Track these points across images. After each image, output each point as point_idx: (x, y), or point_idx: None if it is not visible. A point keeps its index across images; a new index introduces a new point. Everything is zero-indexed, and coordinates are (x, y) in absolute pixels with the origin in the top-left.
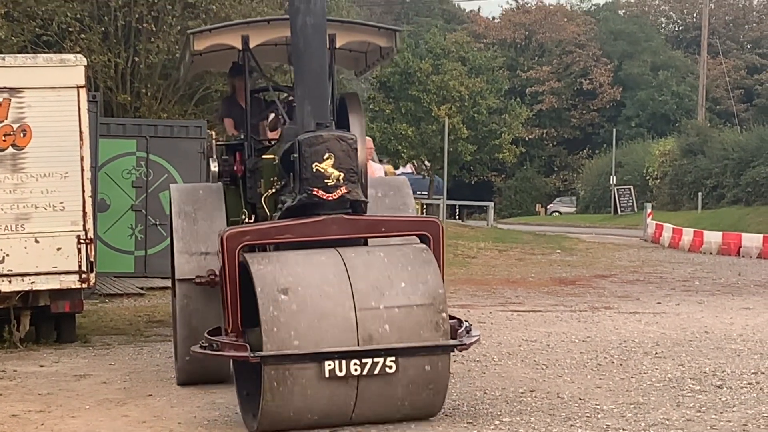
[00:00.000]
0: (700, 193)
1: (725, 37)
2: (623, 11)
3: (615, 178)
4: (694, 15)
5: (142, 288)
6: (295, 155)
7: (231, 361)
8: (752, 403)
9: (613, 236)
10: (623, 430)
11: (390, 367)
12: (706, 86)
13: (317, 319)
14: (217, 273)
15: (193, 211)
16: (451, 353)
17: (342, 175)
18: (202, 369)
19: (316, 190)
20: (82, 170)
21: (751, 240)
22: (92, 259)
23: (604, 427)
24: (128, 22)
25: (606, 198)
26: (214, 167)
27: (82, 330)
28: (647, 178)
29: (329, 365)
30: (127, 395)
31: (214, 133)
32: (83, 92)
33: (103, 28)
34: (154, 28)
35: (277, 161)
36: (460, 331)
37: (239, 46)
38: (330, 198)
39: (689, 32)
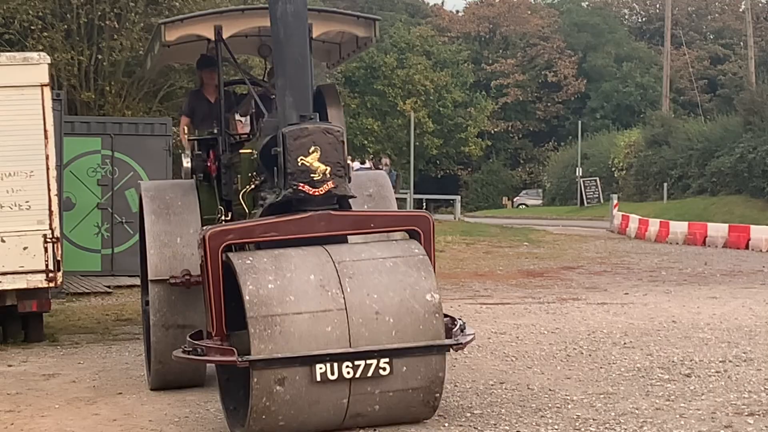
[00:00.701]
0: (665, 184)
1: (688, 27)
2: (586, 3)
3: (581, 170)
4: (657, 6)
5: (109, 286)
6: (277, 149)
7: (216, 367)
8: (720, 391)
9: (580, 228)
10: (593, 420)
11: (384, 369)
12: (669, 77)
13: (307, 321)
14: (192, 273)
15: (165, 208)
16: (447, 353)
17: (329, 169)
18: (177, 374)
19: (301, 185)
20: (48, 169)
21: (717, 230)
22: (59, 258)
23: (575, 417)
24: (91, 20)
25: (572, 190)
26: (186, 163)
27: (49, 329)
28: (613, 169)
29: (320, 368)
30: (97, 394)
31: (186, 127)
32: (47, 90)
33: (65, 26)
34: (116, 25)
35: (255, 156)
36: (454, 329)
37: (212, 36)
38: (316, 193)
39: (652, 23)
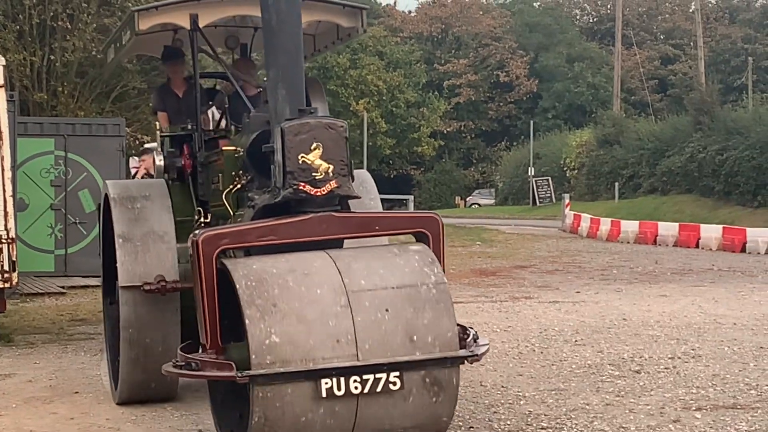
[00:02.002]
0: (616, 183)
1: (639, 28)
2: (538, 3)
3: (533, 169)
4: (608, 6)
5: (63, 287)
6: (268, 146)
7: (208, 386)
8: (669, 386)
9: (532, 227)
10: (545, 415)
11: (394, 384)
12: (620, 77)
13: (311, 333)
14: (167, 279)
15: (135, 210)
16: (461, 365)
17: (331, 167)
18: (147, 387)
19: (302, 184)
20: (3, 170)
21: (667, 228)
22: (14, 259)
23: (527, 413)
24: (43, 20)
25: (524, 189)
26: (159, 161)
27: (4, 329)
28: (565, 169)
29: (326, 383)
30: (54, 393)
31: (158, 123)
32: (2, 92)
33: (17, 27)
34: (69, 26)
35: (241, 153)
36: (468, 340)
37: (187, 25)
38: (318, 193)
39: (603, 24)
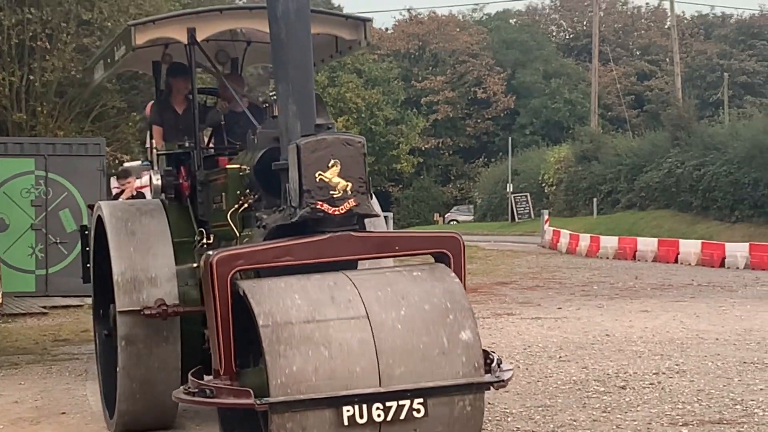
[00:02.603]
0: (595, 199)
1: (615, 44)
2: (514, 20)
3: (511, 185)
4: (584, 23)
5: (44, 307)
6: (279, 162)
7: (219, 416)
8: (655, 402)
9: (512, 243)
10: None
11: (418, 411)
12: (597, 93)
13: (332, 359)
14: (167, 303)
15: (131, 231)
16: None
17: (350, 185)
18: (146, 415)
19: (319, 203)
20: None
21: (646, 244)
22: None
23: (515, 429)
24: (22, 41)
25: (503, 205)
26: (156, 180)
27: None
28: (543, 185)
29: (348, 411)
30: (40, 414)
31: (154, 142)
32: None
33: None
34: (48, 46)
35: (248, 171)
36: (492, 365)
37: (184, 40)
38: (336, 212)
39: (580, 40)
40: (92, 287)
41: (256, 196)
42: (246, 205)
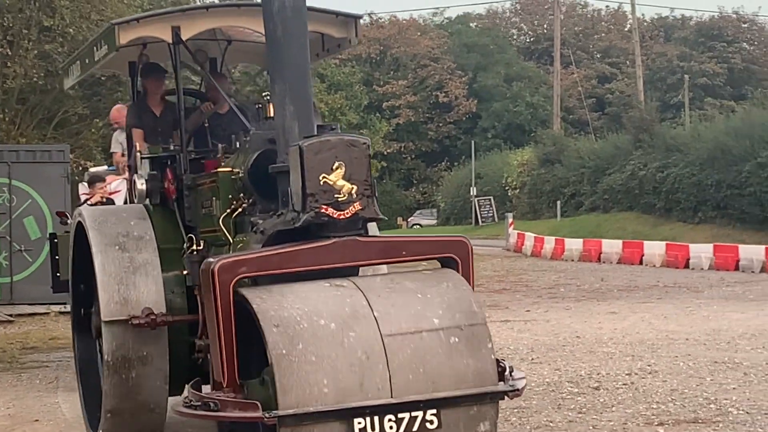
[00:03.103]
0: (558, 202)
1: (575, 47)
2: (475, 24)
3: (475, 189)
4: (545, 26)
5: (10, 315)
6: (277, 165)
7: (220, 426)
8: (629, 402)
9: (477, 247)
10: None
11: (431, 422)
12: (560, 96)
13: (342, 369)
14: (155, 312)
15: (116, 238)
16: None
17: (354, 188)
18: (133, 426)
19: (324, 207)
20: None
21: (611, 246)
22: None
23: None
24: None
25: (466, 209)
26: (141, 185)
27: None
28: (506, 188)
29: (359, 423)
30: (14, 422)
31: (138, 144)
32: None
33: None
34: (9, 53)
35: (241, 175)
36: (505, 373)
37: (169, 39)
38: (342, 216)
39: (540, 43)
40: (71, 296)
41: (251, 201)
42: (240, 210)
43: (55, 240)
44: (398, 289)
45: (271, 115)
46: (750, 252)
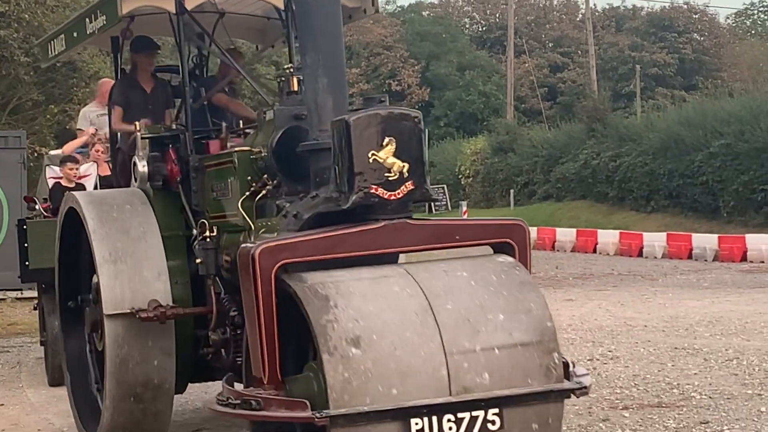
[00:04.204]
0: (512, 190)
1: (527, 36)
2: (427, 13)
3: (428, 177)
4: (497, 15)
5: None
6: (309, 143)
7: (255, 426)
8: (593, 387)
9: None
10: None
11: (493, 423)
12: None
13: (398, 365)
14: (163, 303)
15: (115, 224)
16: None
17: (406, 166)
18: (136, 424)
19: (373, 187)
20: None
21: (565, 234)
22: None
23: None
24: None
25: None
26: (142, 167)
27: None
28: (460, 176)
29: (417, 424)
30: None
31: (137, 124)
32: None
33: None
34: None
35: (264, 154)
36: (569, 369)
37: (172, 9)
38: (393, 197)
39: (493, 32)
40: (57, 286)
41: (276, 182)
42: (263, 193)
43: (24, 227)
44: (455, 278)
45: (295, 89)
46: (703, 241)
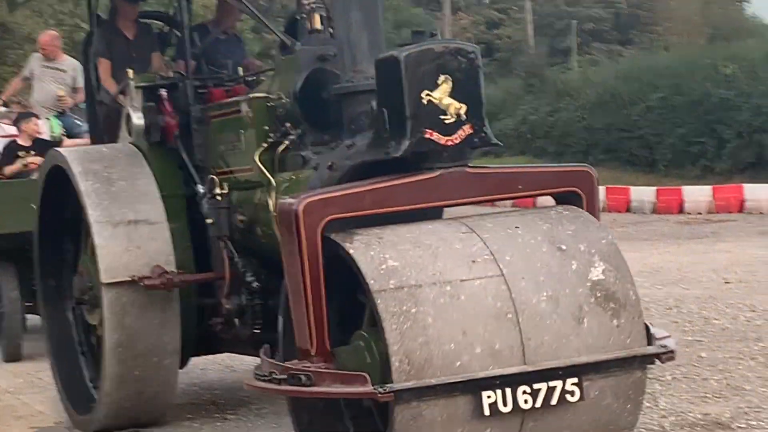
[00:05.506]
0: None
1: None
2: None
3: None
4: None
5: None
6: (343, 85)
7: (292, 407)
8: None
9: None
10: None
11: (572, 393)
12: None
13: (465, 331)
14: (167, 270)
15: (109, 184)
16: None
17: (464, 108)
18: (133, 412)
19: (429, 131)
20: None
21: None
22: None
23: None
24: None
25: None
26: (137, 119)
27: None
28: None
29: (489, 397)
30: None
31: (131, 72)
32: None
33: None
34: None
35: (284, 100)
36: (650, 332)
37: None
38: (450, 142)
39: None
40: (36, 258)
41: (300, 132)
42: (286, 144)
43: None
44: (518, 230)
45: (318, 27)
46: (641, 193)
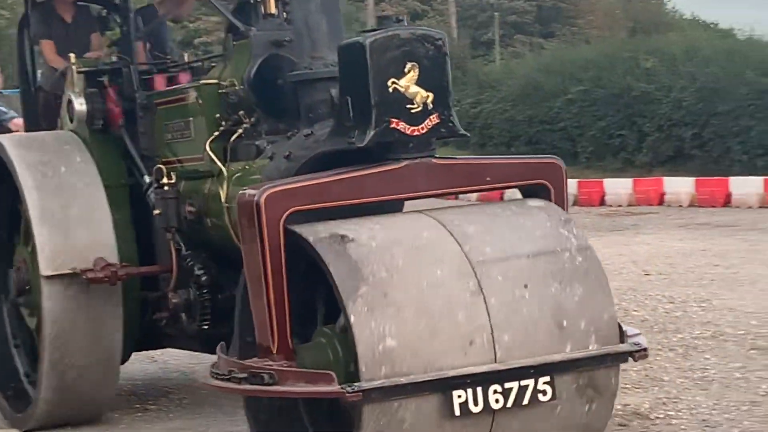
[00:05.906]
0: None
1: None
2: None
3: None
4: None
5: None
6: (303, 72)
7: (248, 407)
8: None
9: None
10: None
11: (544, 393)
12: None
13: (435, 328)
14: (110, 263)
15: (50, 172)
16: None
17: (431, 96)
18: (71, 411)
19: (395, 121)
20: None
21: None
22: None
23: None
24: None
25: None
26: (80, 105)
27: None
28: None
29: (459, 396)
30: None
31: (73, 56)
32: None
33: None
34: None
35: (238, 87)
36: (625, 330)
37: None
38: (416, 132)
39: None
40: None
41: (254, 119)
42: (239, 132)
43: None
44: (488, 223)
45: (273, 11)
46: None
